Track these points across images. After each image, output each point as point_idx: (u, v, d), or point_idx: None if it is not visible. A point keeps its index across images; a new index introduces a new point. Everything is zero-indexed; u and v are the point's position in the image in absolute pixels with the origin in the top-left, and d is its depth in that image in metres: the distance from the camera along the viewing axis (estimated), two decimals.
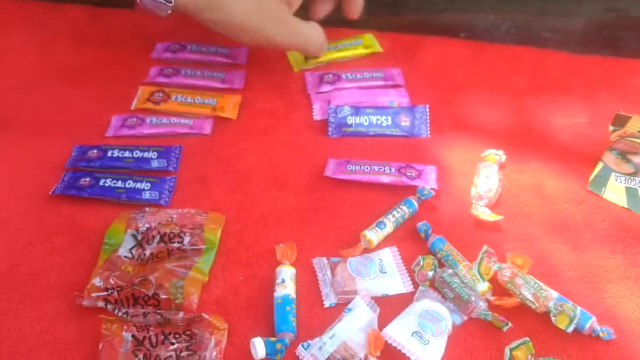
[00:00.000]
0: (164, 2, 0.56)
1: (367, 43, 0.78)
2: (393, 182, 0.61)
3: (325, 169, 0.63)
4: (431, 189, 0.60)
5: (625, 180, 0.62)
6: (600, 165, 0.63)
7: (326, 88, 0.73)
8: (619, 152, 0.63)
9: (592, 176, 0.63)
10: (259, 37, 0.65)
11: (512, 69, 0.75)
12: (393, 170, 0.62)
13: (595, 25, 0.82)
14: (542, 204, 0.61)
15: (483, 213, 0.59)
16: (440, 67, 0.76)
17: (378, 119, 0.68)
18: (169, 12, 0.58)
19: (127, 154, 0.64)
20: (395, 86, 0.73)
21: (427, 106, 0.69)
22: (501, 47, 0.78)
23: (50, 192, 0.61)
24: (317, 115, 0.70)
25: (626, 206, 0.61)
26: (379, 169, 0.62)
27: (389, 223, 0.58)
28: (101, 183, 0.61)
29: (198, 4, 0.60)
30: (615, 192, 0.61)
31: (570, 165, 0.64)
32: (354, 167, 0.63)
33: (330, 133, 0.68)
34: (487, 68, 0.76)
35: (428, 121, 0.68)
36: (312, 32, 0.70)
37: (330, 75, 0.74)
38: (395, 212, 0.58)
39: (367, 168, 0.62)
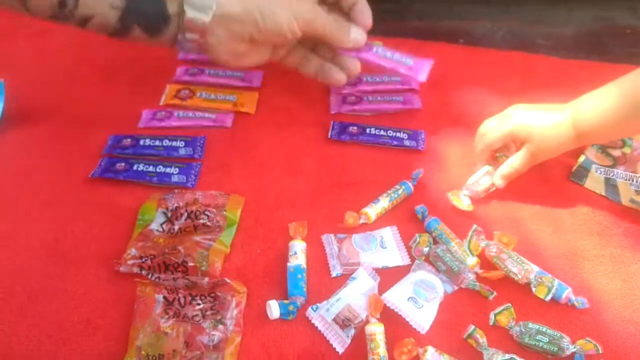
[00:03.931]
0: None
1: None
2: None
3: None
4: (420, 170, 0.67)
5: (604, 171, 0.68)
6: (582, 158, 0.69)
7: (346, 90, 0.79)
8: (599, 147, 0.70)
9: (575, 167, 0.69)
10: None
11: (506, 72, 0.82)
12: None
13: (584, 33, 0.88)
14: (529, 191, 0.67)
15: (460, 201, 0.65)
16: (440, 70, 0.82)
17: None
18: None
19: (157, 142, 0.71)
20: (411, 90, 0.80)
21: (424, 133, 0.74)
22: (497, 52, 0.85)
23: (89, 176, 0.68)
24: (333, 109, 0.77)
25: (604, 194, 0.67)
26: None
27: (382, 199, 0.65)
28: (135, 167, 0.68)
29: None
30: (595, 182, 0.68)
31: (555, 158, 0.69)
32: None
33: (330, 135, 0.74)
34: (483, 71, 0.82)
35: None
36: None
37: None
38: (389, 191, 0.66)
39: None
